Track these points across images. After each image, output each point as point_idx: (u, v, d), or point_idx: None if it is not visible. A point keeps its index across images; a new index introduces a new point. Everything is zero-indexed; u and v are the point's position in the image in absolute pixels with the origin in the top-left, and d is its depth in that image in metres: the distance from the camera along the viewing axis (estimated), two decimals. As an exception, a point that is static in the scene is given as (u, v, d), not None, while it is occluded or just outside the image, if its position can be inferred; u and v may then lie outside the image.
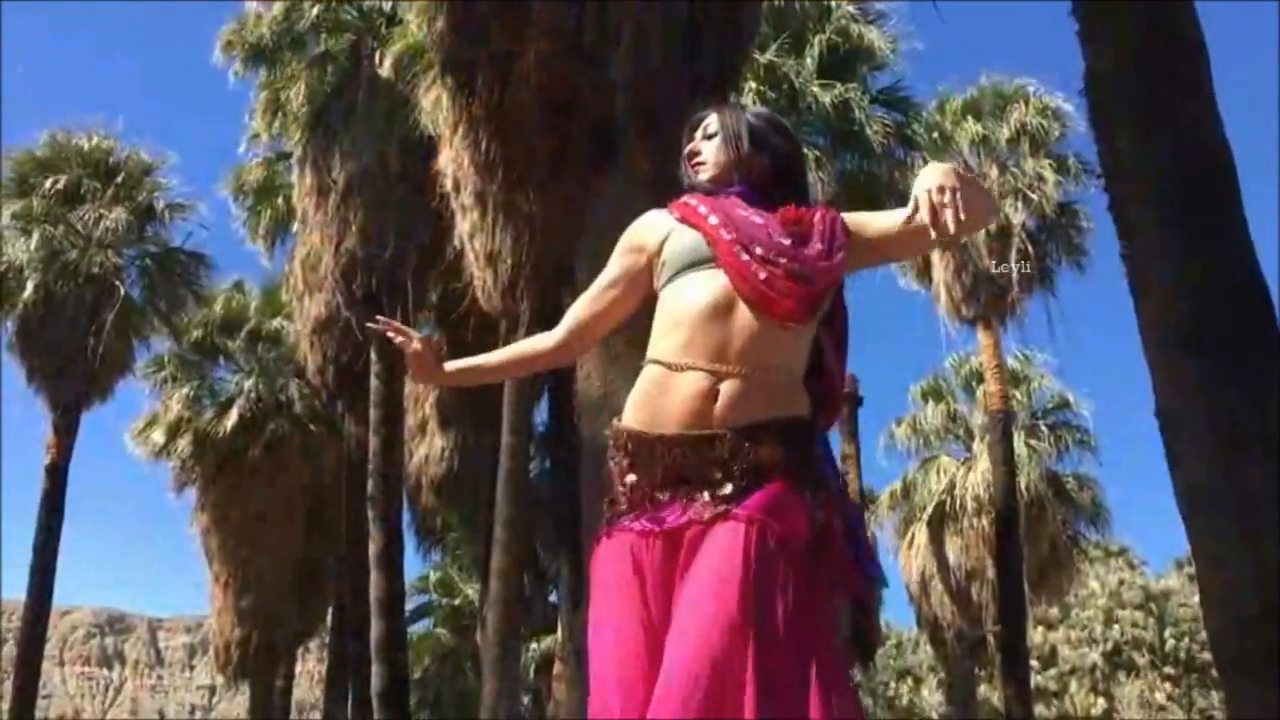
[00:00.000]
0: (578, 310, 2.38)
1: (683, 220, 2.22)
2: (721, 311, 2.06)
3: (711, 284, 2.09)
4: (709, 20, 5.42)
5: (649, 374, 2.12)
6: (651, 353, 2.14)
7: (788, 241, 2.10)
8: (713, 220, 2.14)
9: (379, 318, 2.44)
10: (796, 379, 2.12)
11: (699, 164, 2.30)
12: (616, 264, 2.33)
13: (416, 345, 2.35)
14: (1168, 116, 5.16)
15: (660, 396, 2.07)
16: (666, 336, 2.11)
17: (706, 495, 1.99)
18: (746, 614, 1.84)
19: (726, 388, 2.03)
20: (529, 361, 2.51)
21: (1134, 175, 5.22)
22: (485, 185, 10.84)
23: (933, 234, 1.92)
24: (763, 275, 2.06)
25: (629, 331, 5.05)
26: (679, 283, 2.15)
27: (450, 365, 2.43)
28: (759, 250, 2.07)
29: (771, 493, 1.98)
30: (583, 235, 5.72)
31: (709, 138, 2.32)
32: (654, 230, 2.28)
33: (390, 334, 2.37)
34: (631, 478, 2.08)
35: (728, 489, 1.98)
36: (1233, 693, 4.58)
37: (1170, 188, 5.08)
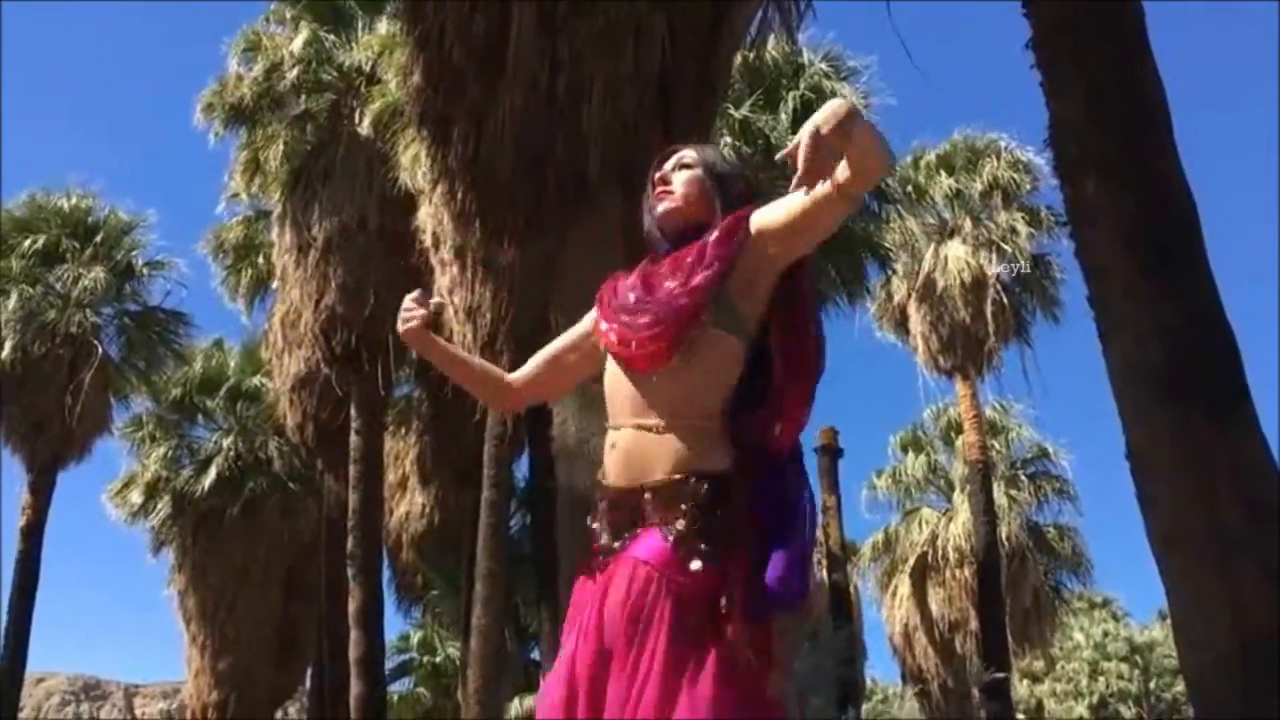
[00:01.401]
0: (538, 363, 2.47)
1: None
2: (616, 379, 2.20)
3: (611, 362, 2.24)
4: (681, 73, 5.52)
5: (605, 443, 2.24)
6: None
7: (643, 295, 2.17)
8: (594, 313, 2.31)
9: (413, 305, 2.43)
10: (705, 420, 2.12)
11: (665, 192, 2.30)
12: (578, 328, 2.42)
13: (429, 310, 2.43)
14: (1133, 166, 5.27)
15: (610, 456, 2.19)
16: (608, 414, 2.24)
17: (631, 539, 2.10)
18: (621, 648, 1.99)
19: (620, 442, 2.15)
20: (483, 381, 2.58)
21: (1100, 221, 5.31)
22: (464, 239, 10.94)
23: (821, 189, 1.90)
24: (613, 337, 2.18)
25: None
26: (606, 361, 2.28)
27: (439, 342, 2.49)
28: (623, 318, 2.17)
29: (652, 541, 2.06)
30: (558, 288, 5.78)
31: (683, 168, 2.33)
32: None
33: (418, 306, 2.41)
34: (600, 529, 2.19)
35: (610, 546, 2.12)
36: (1211, 732, 4.59)
37: (1136, 233, 5.17)
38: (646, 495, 2.08)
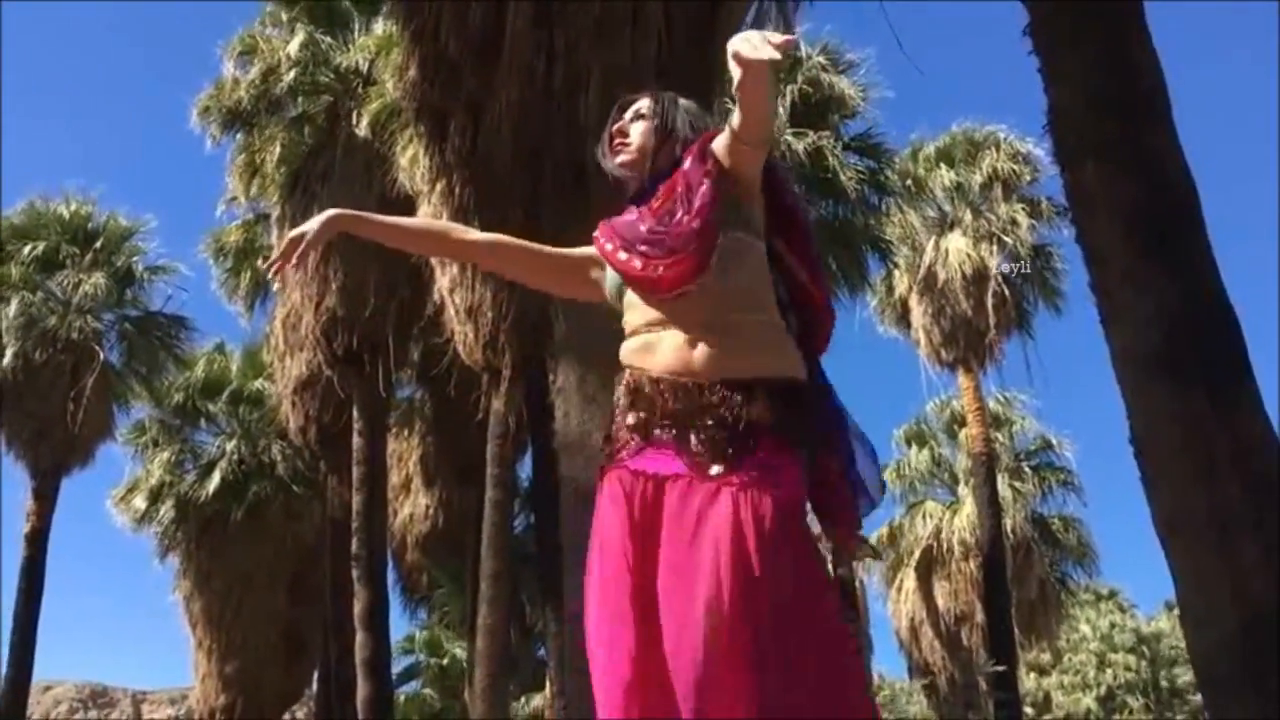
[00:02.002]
0: (513, 242, 2.47)
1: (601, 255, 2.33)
2: (660, 310, 2.18)
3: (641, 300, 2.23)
4: (677, 62, 5.51)
5: (632, 343, 2.22)
6: (628, 335, 2.25)
7: (655, 226, 2.18)
8: (608, 247, 2.28)
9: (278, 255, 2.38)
10: (774, 324, 2.18)
11: (621, 144, 2.34)
12: (579, 250, 2.43)
13: (314, 226, 2.34)
14: (1132, 149, 5.25)
15: (648, 352, 2.16)
16: (636, 322, 2.22)
17: (699, 443, 2.05)
18: (742, 601, 1.90)
19: (705, 343, 2.12)
20: (439, 240, 2.62)
21: (1100, 206, 5.30)
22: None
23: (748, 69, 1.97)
24: (638, 265, 2.17)
25: (604, 373, 5.09)
26: (627, 299, 2.27)
27: (365, 215, 2.46)
28: (641, 248, 2.17)
29: (763, 459, 2.02)
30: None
31: (639, 118, 2.37)
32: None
33: (288, 253, 2.33)
34: (632, 417, 2.15)
35: (721, 444, 2.03)
36: (1215, 713, 4.58)
37: (1136, 217, 5.16)
38: (760, 399, 2.06)
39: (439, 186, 11.65)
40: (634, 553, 2.03)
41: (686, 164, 2.20)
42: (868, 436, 2.32)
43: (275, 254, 2.38)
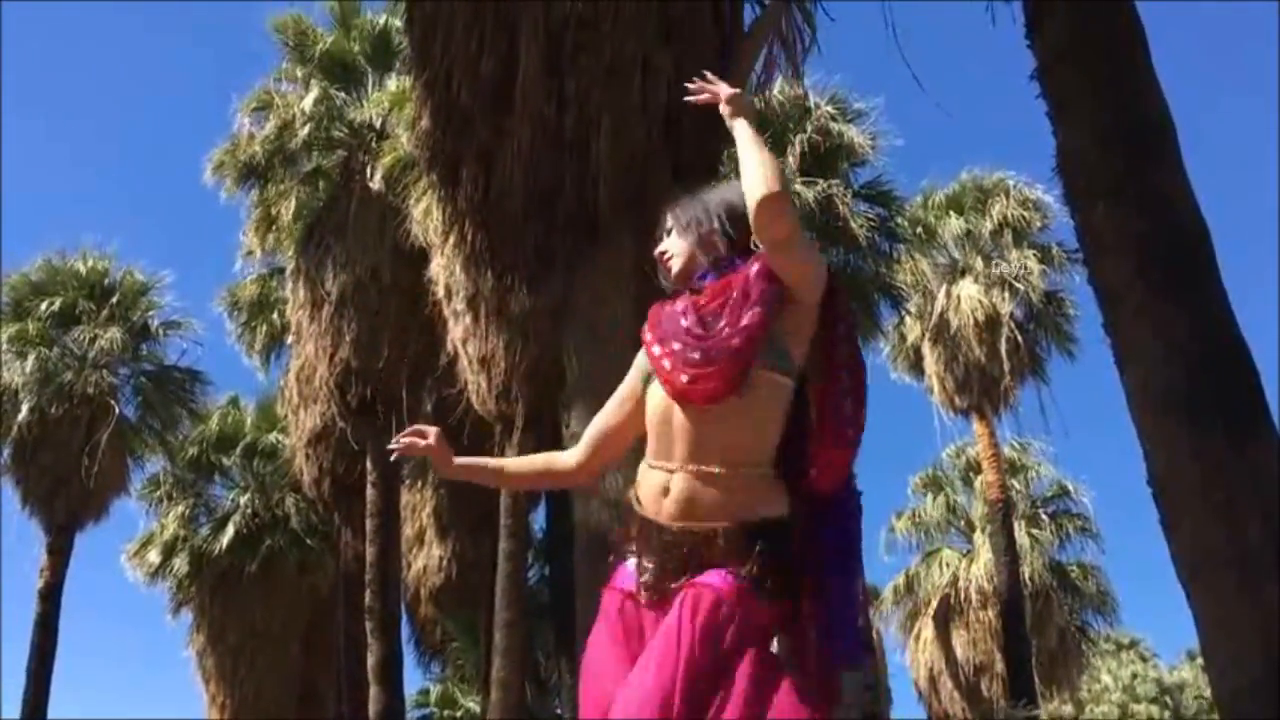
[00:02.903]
0: (594, 427, 2.49)
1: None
2: (666, 415, 2.23)
3: (659, 392, 2.26)
4: (686, 109, 5.54)
5: (641, 468, 2.30)
6: (646, 452, 2.33)
7: (697, 329, 2.21)
8: (648, 336, 2.32)
9: (395, 442, 2.49)
10: (759, 468, 2.19)
11: (667, 261, 2.39)
12: (627, 380, 2.45)
13: (432, 442, 2.43)
14: (1141, 189, 5.27)
15: (640, 488, 2.27)
16: (649, 448, 2.30)
17: (658, 572, 2.20)
18: (677, 663, 2.03)
19: (674, 485, 2.19)
20: (546, 477, 2.73)
21: (1111, 246, 5.31)
22: (477, 286, 10.98)
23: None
24: (666, 364, 2.21)
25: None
26: (650, 390, 2.31)
27: (461, 460, 2.51)
28: (675, 346, 2.21)
29: (718, 573, 2.13)
30: (569, 327, 5.79)
31: (668, 233, 2.42)
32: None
33: (407, 444, 2.45)
34: (632, 546, 2.28)
35: (679, 570, 2.16)
36: (1244, 759, 4.49)
37: (1148, 256, 5.16)
38: (719, 540, 2.13)
39: (452, 234, 11.80)
40: (623, 651, 2.18)
41: (752, 270, 2.22)
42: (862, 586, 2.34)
43: (397, 443, 2.47)
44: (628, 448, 2.49)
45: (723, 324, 2.17)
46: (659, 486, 2.20)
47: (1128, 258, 5.20)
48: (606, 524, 4.72)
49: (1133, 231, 5.20)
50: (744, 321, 2.14)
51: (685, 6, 5.72)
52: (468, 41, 5.68)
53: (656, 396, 2.25)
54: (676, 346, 2.20)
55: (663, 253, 2.39)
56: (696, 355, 2.15)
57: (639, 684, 2.03)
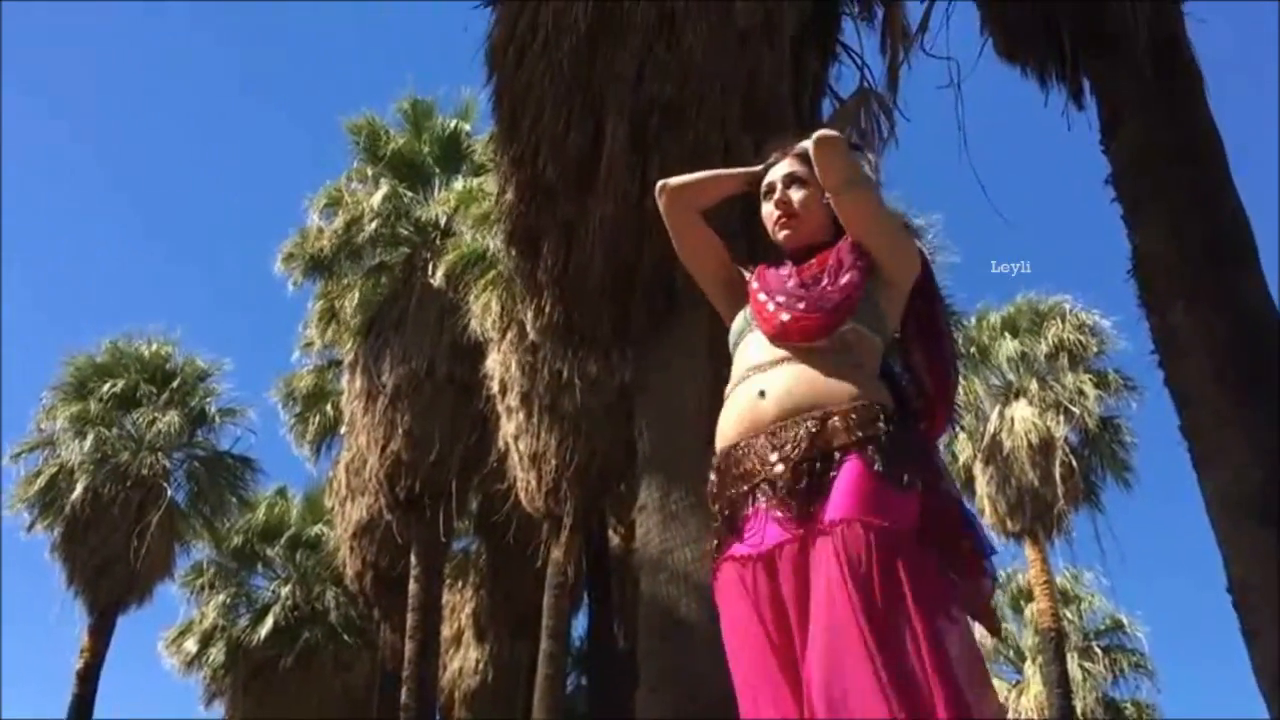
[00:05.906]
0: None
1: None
2: (763, 344, 2.30)
3: (751, 343, 2.34)
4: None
5: (725, 407, 2.33)
6: (725, 395, 2.37)
7: (799, 290, 2.31)
8: (754, 285, 2.41)
9: None
10: (858, 365, 2.24)
11: (785, 220, 2.44)
12: (726, 255, 2.59)
13: None
14: (1220, 290, 5.25)
15: (727, 415, 2.29)
16: (736, 372, 2.35)
17: (770, 492, 2.13)
18: (852, 630, 1.94)
19: (773, 378, 2.22)
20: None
21: (1191, 349, 5.27)
22: (533, 381, 11.02)
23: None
24: (771, 307, 2.30)
25: (688, 494, 5.05)
26: (741, 345, 2.39)
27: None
28: (780, 298, 2.31)
29: (849, 486, 2.07)
30: (644, 402, 5.78)
31: (794, 182, 2.46)
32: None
33: None
34: (714, 491, 2.27)
35: (795, 493, 2.10)
36: None
37: (1228, 358, 5.12)
38: (834, 419, 2.12)
39: (514, 329, 11.90)
40: (769, 628, 2.10)
41: (846, 243, 2.35)
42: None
43: None
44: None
45: (825, 283, 2.29)
46: (751, 393, 2.23)
47: (1207, 360, 5.16)
48: (673, 597, 4.69)
49: (1212, 333, 5.16)
50: (843, 280, 2.27)
51: (767, 96, 5.85)
52: (556, 119, 5.84)
53: (750, 347, 2.32)
54: (781, 299, 2.30)
55: (786, 204, 2.43)
56: (801, 305, 2.26)
57: (852, 687, 1.91)
